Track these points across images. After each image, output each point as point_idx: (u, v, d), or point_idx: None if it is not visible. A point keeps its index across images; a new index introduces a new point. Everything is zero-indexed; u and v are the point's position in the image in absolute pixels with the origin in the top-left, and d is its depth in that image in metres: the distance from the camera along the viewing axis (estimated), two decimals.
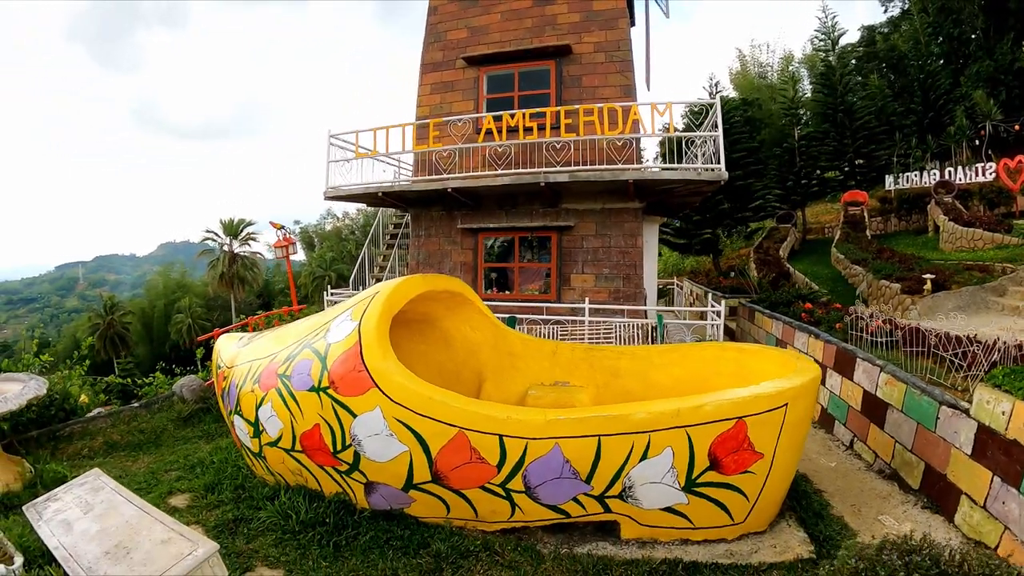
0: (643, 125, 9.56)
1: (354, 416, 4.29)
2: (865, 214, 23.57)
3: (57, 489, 4.46)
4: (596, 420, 4.00)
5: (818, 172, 26.52)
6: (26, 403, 6.18)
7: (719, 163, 9.36)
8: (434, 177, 9.94)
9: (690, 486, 4.03)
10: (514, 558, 3.93)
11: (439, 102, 11.56)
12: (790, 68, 33.71)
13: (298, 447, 4.62)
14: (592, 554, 4.07)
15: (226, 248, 38.94)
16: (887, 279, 14.11)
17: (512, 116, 9.54)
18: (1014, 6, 28.44)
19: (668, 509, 4.11)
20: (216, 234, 39.09)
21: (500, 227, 10.71)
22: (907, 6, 34.73)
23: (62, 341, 44.41)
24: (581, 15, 11.23)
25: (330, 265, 40.68)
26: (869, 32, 36.26)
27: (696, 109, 21.81)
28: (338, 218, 52.70)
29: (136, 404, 9.72)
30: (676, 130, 9.78)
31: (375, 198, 11.11)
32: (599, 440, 3.97)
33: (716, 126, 9.54)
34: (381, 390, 4.21)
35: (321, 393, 4.42)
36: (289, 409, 4.59)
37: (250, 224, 39.67)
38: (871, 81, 28.82)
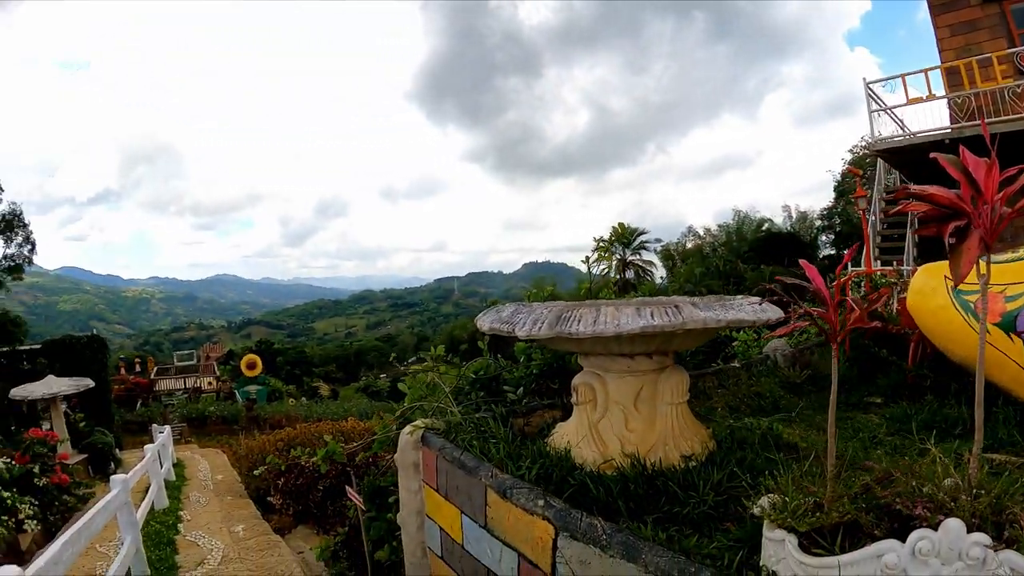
0: None
1: None
2: None
3: None
4: None
5: None
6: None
7: None
8: None
9: None
10: None
11: (964, 44, 11.03)
12: None
13: None
14: None
15: (618, 256, 43.40)
16: None
17: None
18: None
19: None
20: (611, 241, 43.55)
21: None
22: None
23: (439, 338, 54.98)
24: None
25: (700, 280, 40.22)
26: None
27: None
28: (699, 236, 52.17)
29: (736, 364, 9.74)
30: None
31: (936, 146, 10.29)
32: None
33: None
34: None
35: None
36: None
37: (643, 233, 43.14)
38: None
